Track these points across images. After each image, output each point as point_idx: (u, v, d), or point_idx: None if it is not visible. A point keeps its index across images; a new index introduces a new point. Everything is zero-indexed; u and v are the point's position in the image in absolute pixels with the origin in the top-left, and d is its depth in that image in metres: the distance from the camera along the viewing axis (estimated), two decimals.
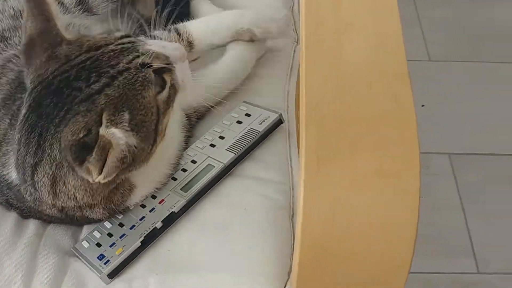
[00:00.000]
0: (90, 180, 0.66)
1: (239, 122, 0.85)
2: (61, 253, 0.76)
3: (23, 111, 0.69)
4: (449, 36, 1.80)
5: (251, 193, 0.77)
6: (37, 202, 0.73)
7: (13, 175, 0.75)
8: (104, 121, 0.65)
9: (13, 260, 0.74)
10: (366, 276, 0.53)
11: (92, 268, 0.73)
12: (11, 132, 0.75)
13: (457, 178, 1.51)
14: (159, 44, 0.72)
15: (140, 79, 0.68)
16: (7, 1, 0.90)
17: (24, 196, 0.74)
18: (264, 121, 0.85)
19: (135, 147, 0.66)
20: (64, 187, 0.68)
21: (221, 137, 0.84)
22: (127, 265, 0.72)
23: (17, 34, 0.86)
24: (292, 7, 1.09)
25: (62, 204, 0.71)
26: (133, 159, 0.68)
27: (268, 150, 0.84)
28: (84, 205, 0.73)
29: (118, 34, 0.72)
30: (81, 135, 0.64)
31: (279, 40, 1.02)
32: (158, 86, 0.70)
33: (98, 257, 0.73)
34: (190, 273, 0.70)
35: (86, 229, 0.79)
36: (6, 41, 0.86)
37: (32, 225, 0.79)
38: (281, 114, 0.85)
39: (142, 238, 0.73)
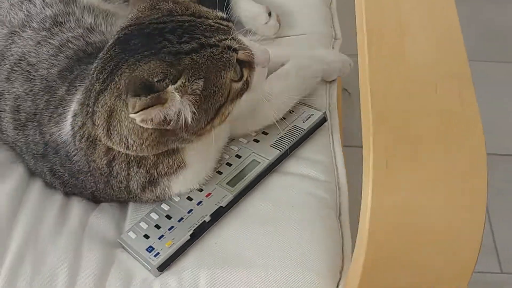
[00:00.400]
0: (128, 110, 0.66)
1: (282, 118, 0.85)
2: (105, 243, 0.77)
3: (110, 42, 0.72)
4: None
5: (298, 190, 0.78)
6: (89, 151, 0.74)
7: (65, 132, 0.77)
8: (179, 82, 0.66)
9: (58, 249, 0.75)
10: (429, 279, 0.53)
11: (140, 259, 0.73)
12: (67, 97, 0.78)
13: None
14: (251, 41, 0.75)
15: (224, 59, 0.70)
16: None
17: (72, 155, 0.76)
18: (308, 119, 0.85)
19: (194, 114, 0.68)
20: (118, 124, 0.69)
21: (265, 133, 0.84)
22: (176, 258, 0.73)
23: (70, 19, 0.89)
24: (331, 4, 1.09)
25: (113, 146, 0.72)
26: (186, 128, 0.69)
27: (311, 148, 0.84)
28: (132, 160, 0.74)
29: (220, 14, 0.74)
30: (154, 79, 0.66)
31: (315, 35, 1.03)
32: (236, 75, 0.72)
33: (147, 249, 0.73)
34: (240, 267, 0.70)
35: (129, 221, 0.80)
36: (61, 25, 0.88)
37: (75, 213, 0.80)
38: (325, 112, 0.86)
39: (191, 232, 0.73)
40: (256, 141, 0.83)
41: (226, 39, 0.70)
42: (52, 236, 0.77)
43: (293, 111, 0.86)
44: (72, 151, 0.77)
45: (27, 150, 0.83)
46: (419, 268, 0.52)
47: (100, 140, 0.73)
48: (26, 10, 0.90)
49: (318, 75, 0.90)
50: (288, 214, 0.75)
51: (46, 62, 0.84)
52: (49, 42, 0.86)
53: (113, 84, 0.69)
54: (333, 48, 1.02)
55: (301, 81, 0.87)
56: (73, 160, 0.77)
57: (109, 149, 0.74)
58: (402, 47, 0.59)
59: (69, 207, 0.81)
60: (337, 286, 0.68)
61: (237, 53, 0.71)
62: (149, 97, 0.64)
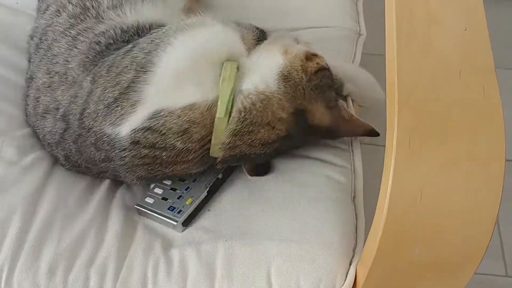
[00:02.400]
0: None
1: None
2: (129, 211, 0.80)
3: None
4: None
5: (315, 173, 0.81)
6: None
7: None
8: None
9: (86, 215, 0.78)
10: (442, 258, 0.55)
11: (164, 219, 0.77)
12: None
13: None
14: None
15: None
16: None
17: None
18: None
19: None
20: None
21: None
22: (196, 215, 0.78)
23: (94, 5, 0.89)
24: (357, 0, 1.12)
25: None
26: None
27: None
28: None
29: None
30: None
31: (341, 31, 1.07)
32: None
33: (169, 209, 0.78)
34: (257, 240, 0.73)
35: None
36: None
37: (103, 186, 0.83)
38: None
39: (207, 188, 0.79)
40: None
41: None
42: (81, 204, 0.80)
43: None
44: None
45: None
46: (434, 244, 0.54)
47: None
48: None
49: None
50: (305, 194, 0.78)
51: (62, 56, 0.85)
52: (70, 33, 0.87)
53: None
54: (356, 44, 1.05)
55: None
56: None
57: None
58: (430, 38, 0.61)
59: (97, 182, 0.85)
60: (350, 263, 0.71)
61: None
62: None
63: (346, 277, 0.70)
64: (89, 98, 0.78)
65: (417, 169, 0.53)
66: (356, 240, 0.74)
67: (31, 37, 0.94)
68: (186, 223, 0.77)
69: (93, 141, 0.79)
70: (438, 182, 0.53)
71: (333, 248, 0.72)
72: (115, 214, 0.79)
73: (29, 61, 0.92)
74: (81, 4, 0.89)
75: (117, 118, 0.75)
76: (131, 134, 0.75)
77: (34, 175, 0.82)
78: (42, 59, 0.88)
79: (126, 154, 0.77)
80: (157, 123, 0.74)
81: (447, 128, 0.55)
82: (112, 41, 0.84)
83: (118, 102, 0.76)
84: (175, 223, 0.77)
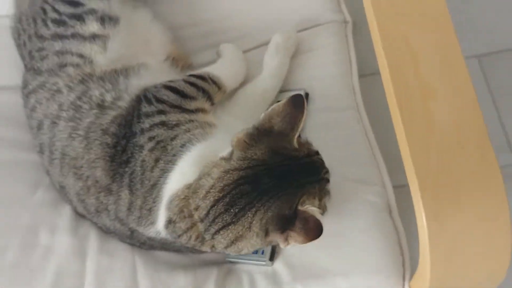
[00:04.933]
0: (282, 246, 0.85)
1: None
2: (218, 266, 0.99)
3: (232, 177, 0.85)
4: None
5: (355, 199, 0.96)
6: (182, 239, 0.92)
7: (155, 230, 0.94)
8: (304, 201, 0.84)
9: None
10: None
11: (254, 261, 0.96)
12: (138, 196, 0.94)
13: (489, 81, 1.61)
14: None
15: (327, 187, 0.88)
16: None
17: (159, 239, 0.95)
18: None
19: None
20: (240, 242, 0.86)
21: None
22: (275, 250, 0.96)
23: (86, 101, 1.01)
24: None
25: (214, 244, 0.90)
26: None
27: (349, 150, 1.01)
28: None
29: (314, 149, 0.89)
30: (287, 213, 0.83)
31: (328, 27, 1.15)
32: None
33: (253, 253, 0.95)
34: (326, 277, 0.91)
35: None
36: (79, 109, 1.00)
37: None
38: (304, 89, 1.05)
39: None
40: None
41: (326, 172, 0.88)
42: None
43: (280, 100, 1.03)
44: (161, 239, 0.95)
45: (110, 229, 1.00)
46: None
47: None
48: (58, 100, 1.02)
49: None
50: (348, 224, 0.94)
51: (84, 159, 0.97)
52: (78, 133, 0.99)
53: (244, 219, 0.84)
54: (347, 36, 1.15)
55: None
56: (160, 240, 0.96)
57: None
58: (429, 111, 0.73)
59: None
60: (403, 278, 0.90)
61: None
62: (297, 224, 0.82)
63: None
64: (132, 207, 0.94)
65: (446, 239, 0.69)
66: (402, 255, 0.92)
67: (41, 152, 1.04)
68: (272, 258, 0.95)
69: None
70: (464, 244, 0.70)
71: (387, 271, 0.90)
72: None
73: (48, 173, 1.06)
74: (74, 106, 1.01)
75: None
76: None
77: None
78: (63, 167, 1.00)
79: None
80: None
81: (461, 199, 0.70)
82: (119, 131, 0.97)
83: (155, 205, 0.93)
84: (264, 262, 0.95)
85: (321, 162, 0.88)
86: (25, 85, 1.09)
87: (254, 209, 0.84)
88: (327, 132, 1.01)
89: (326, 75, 1.09)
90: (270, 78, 1.08)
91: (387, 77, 0.74)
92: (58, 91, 1.03)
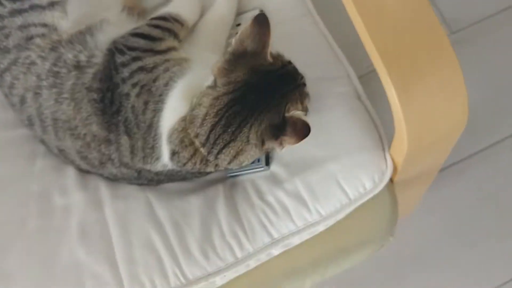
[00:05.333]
0: (278, 151, 0.97)
1: (239, 24, 1.14)
2: (222, 183, 1.10)
3: (222, 101, 0.94)
4: None
5: (326, 94, 1.08)
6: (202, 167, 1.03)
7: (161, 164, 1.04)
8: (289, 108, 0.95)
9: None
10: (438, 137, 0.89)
11: (253, 170, 1.06)
12: (136, 138, 1.02)
13: None
14: None
15: (305, 90, 0.98)
16: None
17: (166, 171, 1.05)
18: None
19: None
20: (241, 155, 0.98)
21: None
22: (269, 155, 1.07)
23: (61, 64, 1.07)
24: None
25: (218, 162, 1.01)
26: None
27: (311, 53, 1.11)
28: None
29: (286, 60, 0.99)
30: (276, 120, 0.94)
31: (298, 20, 1.19)
32: None
33: (252, 163, 1.05)
34: (320, 165, 1.04)
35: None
36: (58, 75, 1.06)
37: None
38: (259, 8, 1.14)
39: None
40: None
41: (302, 77, 0.98)
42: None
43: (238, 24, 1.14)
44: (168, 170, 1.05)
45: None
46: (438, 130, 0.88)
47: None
48: (35, 72, 1.07)
49: None
50: (327, 117, 1.05)
51: (77, 119, 1.04)
52: (63, 97, 1.05)
53: (242, 135, 0.95)
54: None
55: None
56: (166, 172, 1.06)
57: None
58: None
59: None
60: (383, 150, 1.04)
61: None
62: (288, 129, 0.93)
63: (386, 161, 1.03)
64: (134, 149, 1.03)
65: (418, 100, 0.84)
66: (378, 130, 1.06)
67: (31, 124, 1.10)
68: (267, 163, 1.07)
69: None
70: (434, 104, 0.84)
71: (368, 146, 1.04)
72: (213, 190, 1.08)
73: (43, 142, 1.11)
74: (52, 73, 1.07)
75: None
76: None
77: None
78: (58, 132, 1.06)
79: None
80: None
81: (421, 69, 0.82)
82: (102, 85, 1.03)
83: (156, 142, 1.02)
84: (262, 168, 1.06)
85: (295, 70, 0.98)
86: None
87: (249, 125, 0.95)
88: (288, 42, 1.09)
89: None
90: (225, 3, 1.16)
91: None
92: (32, 63, 1.08)
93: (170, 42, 1.08)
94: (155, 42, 1.07)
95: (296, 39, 1.12)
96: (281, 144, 0.96)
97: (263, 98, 0.95)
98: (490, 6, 1.75)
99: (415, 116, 0.85)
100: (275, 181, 1.07)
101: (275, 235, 1.05)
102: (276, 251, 1.06)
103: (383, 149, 1.05)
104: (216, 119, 0.96)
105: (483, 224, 1.55)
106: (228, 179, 1.11)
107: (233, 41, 0.96)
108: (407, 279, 1.52)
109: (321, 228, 1.05)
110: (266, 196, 1.06)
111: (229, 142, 0.97)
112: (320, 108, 1.05)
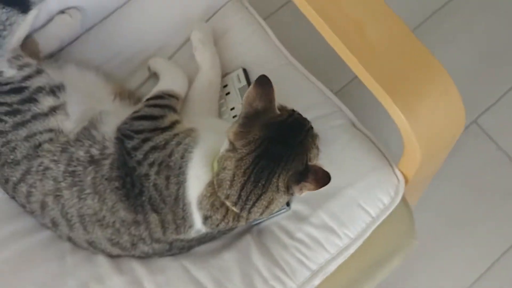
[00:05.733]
0: (298, 194, 1.04)
1: (228, 93, 1.24)
2: (249, 232, 1.17)
3: (248, 160, 1.01)
4: None
5: (324, 130, 1.14)
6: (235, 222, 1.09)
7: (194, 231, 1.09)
8: (310, 156, 1.04)
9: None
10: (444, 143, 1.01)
11: (277, 214, 1.14)
12: (164, 212, 1.07)
13: None
14: None
15: (314, 133, 1.06)
16: None
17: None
18: (238, 79, 1.24)
19: None
20: (272, 204, 1.04)
21: (232, 108, 1.24)
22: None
23: (75, 163, 1.10)
24: None
25: (248, 217, 1.08)
26: None
27: (303, 99, 1.21)
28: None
29: (290, 109, 1.06)
30: (301, 168, 1.02)
31: (224, 2, 1.31)
32: None
33: None
34: (334, 197, 1.14)
35: None
36: (74, 174, 1.10)
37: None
38: (241, 66, 1.23)
39: None
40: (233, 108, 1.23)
41: (308, 122, 1.06)
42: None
43: (227, 84, 1.23)
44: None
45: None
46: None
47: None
48: (51, 176, 1.10)
49: None
50: (332, 149, 1.15)
51: (104, 210, 1.08)
52: (86, 193, 1.08)
53: (272, 186, 1.02)
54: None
55: None
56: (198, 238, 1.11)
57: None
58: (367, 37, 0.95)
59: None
60: (391, 166, 1.15)
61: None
62: (310, 177, 1.00)
63: (397, 175, 1.15)
64: (165, 223, 1.08)
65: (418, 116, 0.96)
66: (380, 149, 1.17)
67: (55, 226, 1.13)
68: (288, 204, 1.15)
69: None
70: (431, 115, 0.96)
71: (377, 168, 1.15)
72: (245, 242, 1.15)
73: (70, 239, 1.14)
74: (68, 173, 1.09)
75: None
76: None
77: None
78: (86, 226, 1.09)
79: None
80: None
81: (418, 89, 0.95)
82: (120, 172, 1.08)
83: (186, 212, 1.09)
84: (284, 210, 1.15)
85: (301, 116, 1.07)
86: (5, 181, 1.15)
87: (277, 174, 1.02)
88: (277, 92, 1.16)
89: (250, 47, 1.28)
90: (210, 70, 1.23)
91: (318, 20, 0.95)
92: (47, 168, 1.11)
93: (172, 117, 1.15)
94: (158, 120, 1.13)
95: (283, 88, 1.17)
96: (301, 189, 1.04)
97: (284, 147, 1.03)
98: None
99: (423, 131, 0.96)
100: (300, 218, 1.15)
101: (313, 267, 1.13)
102: (316, 282, 1.14)
103: (391, 165, 1.16)
104: (245, 178, 1.03)
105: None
106: (253, 228, 1.18)
107: (242, 105, 1.04)
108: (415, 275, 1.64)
109: (352, 250, 1.14)
110: (296, 234, 1.14)
111: (260, 195, 1.04)
112: (324, 143, 1.13)
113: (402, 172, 1.14)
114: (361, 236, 1.14)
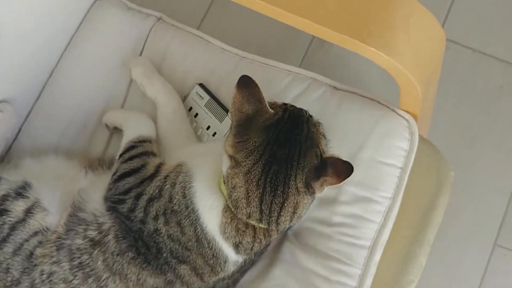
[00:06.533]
0: (319, 193, 0.94)
1: (196, 115, 1.15)
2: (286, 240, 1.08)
3: (257, 171, 0.91)
4: None
5: (310, 107, 1.04)
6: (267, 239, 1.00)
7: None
8: (322, 148, 0.94)
9: None
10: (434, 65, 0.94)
11: None
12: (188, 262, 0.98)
13: None
14: None
15: (314, 119, 0.98)
16: None
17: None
18: (200, 96, 1.15)
19: None
20: (298, 208, 0.95)
21: (208, 127, 1.15)
22: None
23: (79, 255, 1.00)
24: None
25: (278, 228, 0.98)
26: None
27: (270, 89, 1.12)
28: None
29: (281, 103, 0.98)
30: (316, 162, 0.92)
31: (149, 26, 1.22)
32: None
33: None
34: (354, 157, 1.05)
35: None
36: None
37: None
38: (196, 83, 1.15)
39: None
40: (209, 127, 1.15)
41: (304, 110, 0.98)
42: None
43: (192, 107, 1.14)
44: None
45: None
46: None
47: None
48: (59, 278, 0.99)
49: None
50: (327, 121, 1.02)
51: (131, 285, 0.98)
52: (104, 278, 0.98)
53: (291, 186, 0.92)
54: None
55: None
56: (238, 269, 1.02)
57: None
58: None
59: None
60: (389, 107, 1.07)
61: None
62: (329, 170, 0.91)
63: (403, 116, 1.06)
64: (199, 269, 0.99)
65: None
66: (374, 100, 1.08)
67: None
68: None
69: None
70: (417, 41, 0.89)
71: (380, 117, 1.06)
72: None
73: None
74: (76, 268, 0.99)
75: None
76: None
77: None
78: None
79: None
80: None
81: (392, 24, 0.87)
82: (128, 240, 0.99)
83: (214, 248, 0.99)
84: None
85: (296, 108, 0.98)
86: None
87: (293, 176, 0.93)
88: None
89: (196, 61, 1.18)
90: (168, 99, 1.14)
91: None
92: (51, 273, 0.99)
93: (153, 161, 1.05)
94: (141, 171, 1.03)
95: None
96: (322, 185, 0.94)
97: (290, 147, 0.94)
98: None
99: (410, 60, 0.89)
100: (328, 202, 1.06)
101: (367, 243, 1.04)
102: (378, 256, 1.05)
103: (392, 110, 1.07)
104: (261, 190, 0.93)
105: None
106: (288, 233, 1.08)
107: (229, 115, 0.94)
108: None
109: (396, 209, 1.06)
110: (333, 219, 1.05)
111: (283, 203, 0.94)
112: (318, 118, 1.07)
113: (407, 111, 1.06)
114: (399, 191, 1.05)
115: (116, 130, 1.17)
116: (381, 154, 1.05)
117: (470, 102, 1.62)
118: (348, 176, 0.91)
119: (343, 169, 0.91)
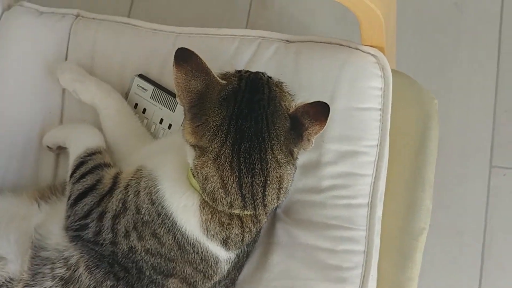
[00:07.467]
0: (309, 148, 0.84)
1: (144, 110, 1.03)
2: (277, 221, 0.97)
3: (227, 153, 0.81)
4: None
5: (269, 67, 0.96)
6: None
7: None
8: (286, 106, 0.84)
9: None
10: None
11: None
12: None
13: None
14: None
15: (273, 79, 0.89)
16: None
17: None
18: (142, 88, 1.02)
19: None
20: (283, 182, 0.84)
21: (161, 121, 1.02)
22: None
23: None
24: None
25: (266, 209, 0.87)
26: None
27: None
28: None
29: (233, 72, 0.88)
30: (288, 124, 0.82)
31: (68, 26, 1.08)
32: None
33: None
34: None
35: None
36: None
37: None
38: (135, 74, 1.03)
39: None
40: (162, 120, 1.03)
41: (261, 73, 0.88)
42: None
43: (137, 103, 1.03)
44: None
45: None
46: None
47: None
48: None
49: None
50: (289, 80, 0.93)
51: None
52: None
53: (270, 160, 0.81)
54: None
55: None
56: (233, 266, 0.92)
57: None
58: None
59: None
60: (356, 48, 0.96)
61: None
62: (306, 120, 0.81)
63: (370, 52, 0.95)
64: (190, 278, 0.88)
65: None
66: (334, 42, 0.97)
67: None
68: None
69: None
70: None
71: (345, 60, 0.95)
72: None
73: None
74: None
75: None
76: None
77: None
78: None
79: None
80: None
81: None
82: (103, 268, 0.88)
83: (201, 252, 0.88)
84: None
85: (252, 72, 0.87)
86: None
87: (269, 149, 0.82)
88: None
89: (128, 51, 1.05)
90: (107, 101, 1.02)
91: None
92: None
93: (109, 173, 0.93)
94: (97, 187, 0.91)
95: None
96: (308, 140, 0.84)
97: (256, 117, 0.83)
98: None
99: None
100: (312, 167, 0.95)
101: (364, 200, 0.94)
102: (379, 211, 0.94)
103: (355, 48, 0.96)
104: (236, 173, 0.82)
105: None
106: (277, 213, 0.97)
107: (177, 99, 0.83)
108: None
109: (387, 154, 0.95)
110: (322, 184, 0.94)
111: (265, 181, 0.83)
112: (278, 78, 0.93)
113: (371, 46, 0.95)
114: (385, 135, 0.95)
115: (61, 149, 1.04)
116: (355, 100, 0.94)
117: (429, 26, 1.52)
118: (327, 113, 0.82)
119: (318, 111, 0.83)
